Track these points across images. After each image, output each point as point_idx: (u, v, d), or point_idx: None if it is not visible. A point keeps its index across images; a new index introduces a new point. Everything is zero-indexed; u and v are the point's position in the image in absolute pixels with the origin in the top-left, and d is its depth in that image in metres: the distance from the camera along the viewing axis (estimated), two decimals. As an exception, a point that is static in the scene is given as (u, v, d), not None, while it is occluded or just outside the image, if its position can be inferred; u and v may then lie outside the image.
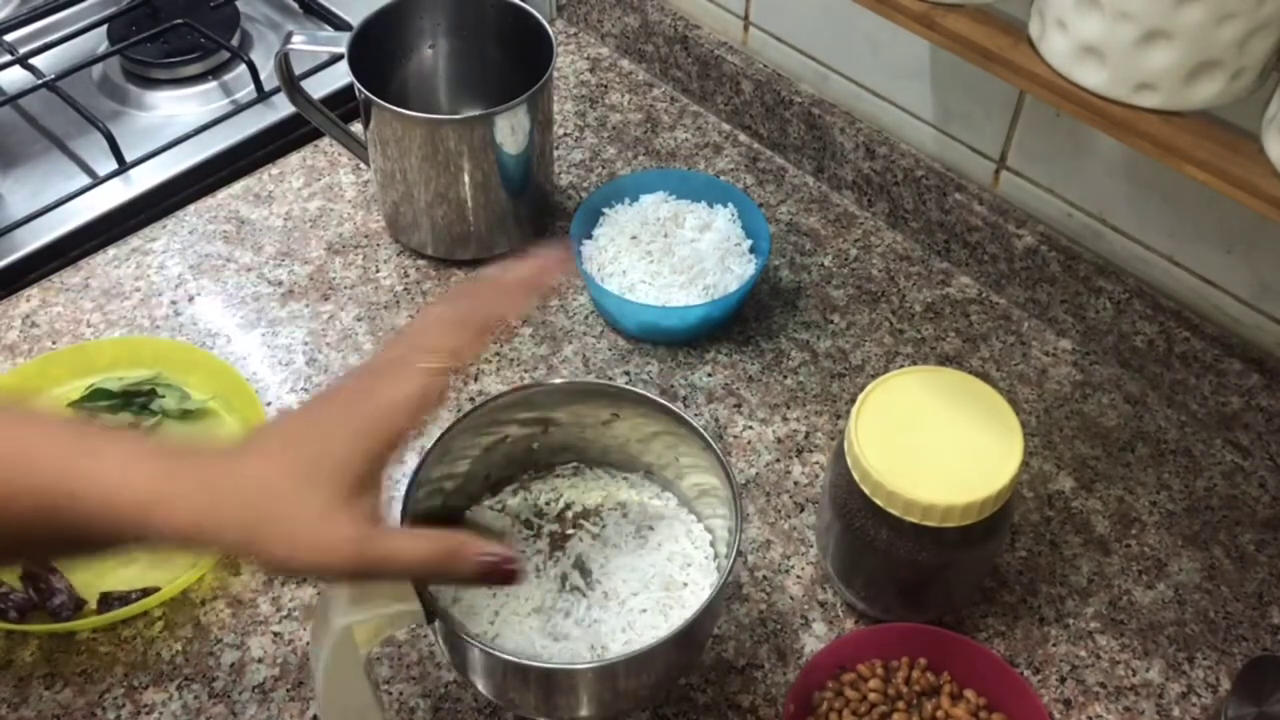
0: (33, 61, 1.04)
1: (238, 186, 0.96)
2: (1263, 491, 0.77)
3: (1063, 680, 0.68)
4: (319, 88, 1.02)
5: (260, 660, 0.68)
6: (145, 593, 0.69)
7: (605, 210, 0.88)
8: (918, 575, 0.65)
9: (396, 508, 0.58)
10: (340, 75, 1.03)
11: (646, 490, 0.69)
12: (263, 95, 1.03)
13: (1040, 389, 0.83)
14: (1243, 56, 0.52)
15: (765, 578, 0.72)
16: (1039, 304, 0.87)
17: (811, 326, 0.87)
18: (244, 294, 0.88)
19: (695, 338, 0.85)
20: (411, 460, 0.62)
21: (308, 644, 0.68)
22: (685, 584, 0.64)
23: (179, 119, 1.02)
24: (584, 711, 0.61)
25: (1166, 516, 0.76)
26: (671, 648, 0.58)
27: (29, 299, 0.87)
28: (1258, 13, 0.51)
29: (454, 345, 0.52)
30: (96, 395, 0.78)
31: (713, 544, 0.65)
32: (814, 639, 0.70)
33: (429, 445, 0.62)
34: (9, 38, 1.08)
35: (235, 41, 1.08)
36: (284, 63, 0.85)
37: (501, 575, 0.51)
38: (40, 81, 1.00)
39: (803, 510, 0.76)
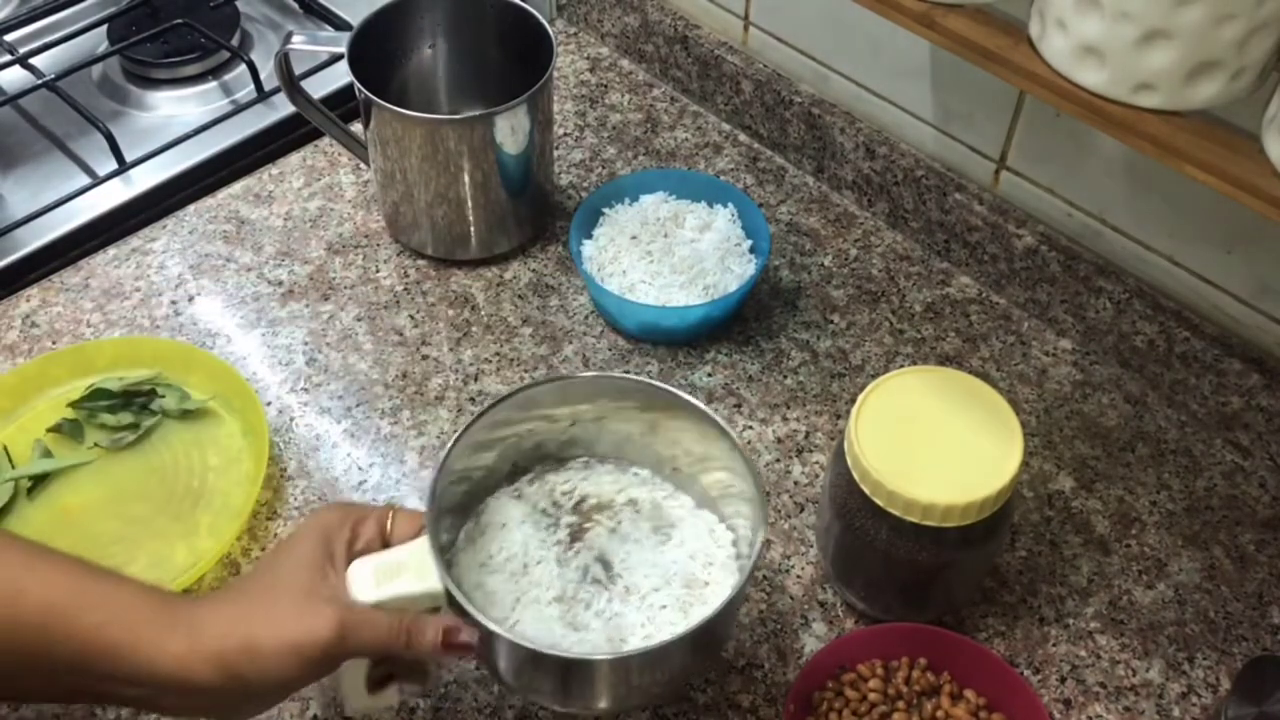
0: (33, 61, 1.04)
1: (238, 186, 0.96)
2: (1263, 491, 0.77)
3: (1063, 680, 0.68)
4: (319, 88, 1.02)
5: (260, 660, 0.68)
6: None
7: (605, 210, 0.88)
8: (918, 575, 0.65)
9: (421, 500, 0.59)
10: (340, 75, 1.03)
11: (659, 488, 0.68)
12: (263, 95, 1.03)
13: (1040, 389, 0.83)
14: (1243, 56, 0.52)
15: (765, 578, 0.72)
16: (1039, 304, 0.87)
17: (811, 326, 0.87)
18: (244, 294, 0.88)
19: (695, 338, 0.85)
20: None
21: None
22: (707, 583, 0.63)
23: (179, 119, 1.03)
24: (600, 703, 0.61)
25: (1166, 516, 0.76)
26: (688, 645, 0.58)
27: (29, 299, 0.88)
28: (1258, 13, 0.51)
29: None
30: (96, 395, 0.78)
31: (735, 544, 0.65)
32: (814, 639, 0.70)
33: (455, 436, 0.61)
34: (9, 38, 1.08)
35: (235, 41, 1.08)
36: (284, 63, 0.85)
37: (461, 646, 0.56)
38: (40, 81, 1.00)
39: (803, 510, 0.76)
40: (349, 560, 0.57)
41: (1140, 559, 0.74)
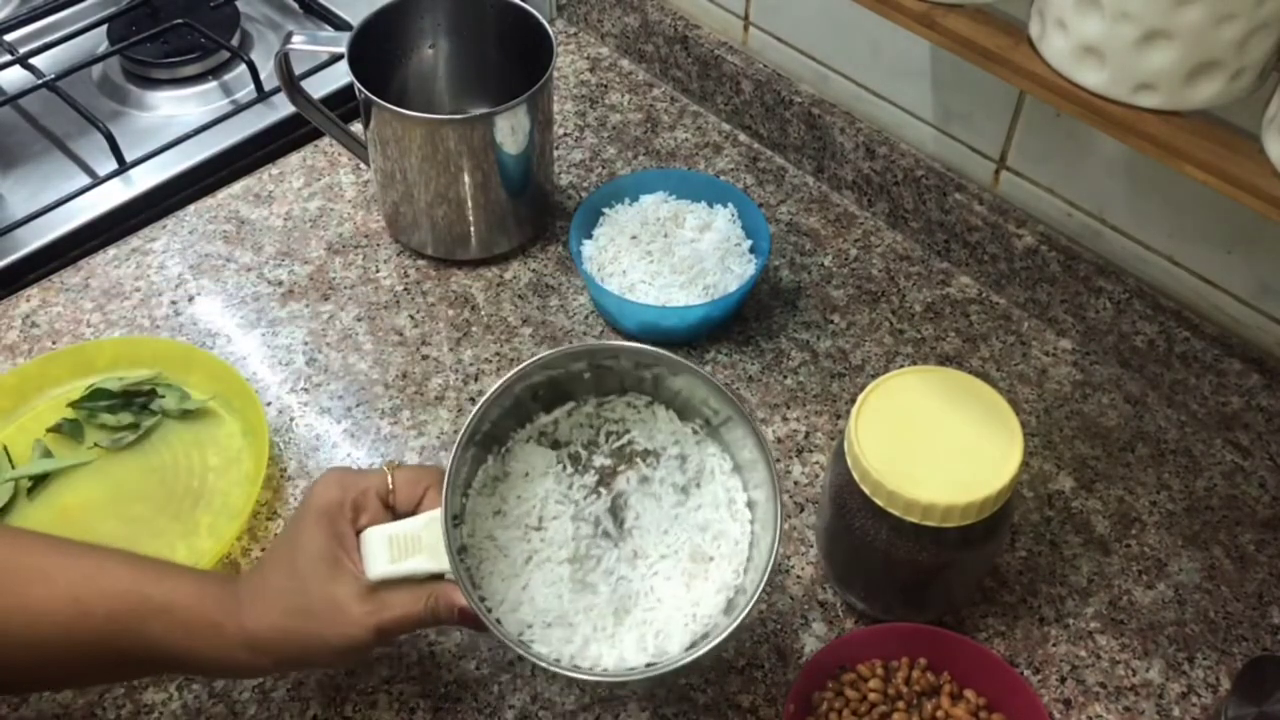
0: (33, 61, 1.04)
1: (238, 186, 0.96)
2: (1263, 491, 0.77)
3: (1063, 680, 0.68)
4: (319, 88, 1.02)
5: (260, 660, 0.68)
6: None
7: (605, 210, 0.88)
8: (918, 575, 0.65)
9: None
10: (340, 75, 1.03)
11: (709, 447, 0.66)
12: (263, 95, 1.03)
13: (1040, 389, 0.83)
14: (1243, 56, 0.52)
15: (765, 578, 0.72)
16: (1039, 304, 0.87)
17: (811, 326, 0.87)
18: (244, 294, 0.88)
19: (695, 338, 0.85)
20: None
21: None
22: (712, 558, 0.63)
23: (179, 119, 1.03)
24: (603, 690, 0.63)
25: (1166, 516, 0.76)
26: (682, 671, 0.59)
27: (29, 299, 0.88)
28: (1258, 13, 0.51)
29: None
30: (96, 395, 0.78)
31: (751, 523, 0.64)
32: (814, 639, 0.70)
33: (486, 397, 0.60)
34: (9, 38, 1.08)
35: (235, 41, 1.08)
36: (284, 63, 0.85)
37: (476, 621, 0.58)
38: (40, 81, 1.00)
39: (803, 510, 0.76)
40: (357, 534, 0.59)
41: (1140, 559, 0.74)
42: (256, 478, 0.74)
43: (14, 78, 1.04)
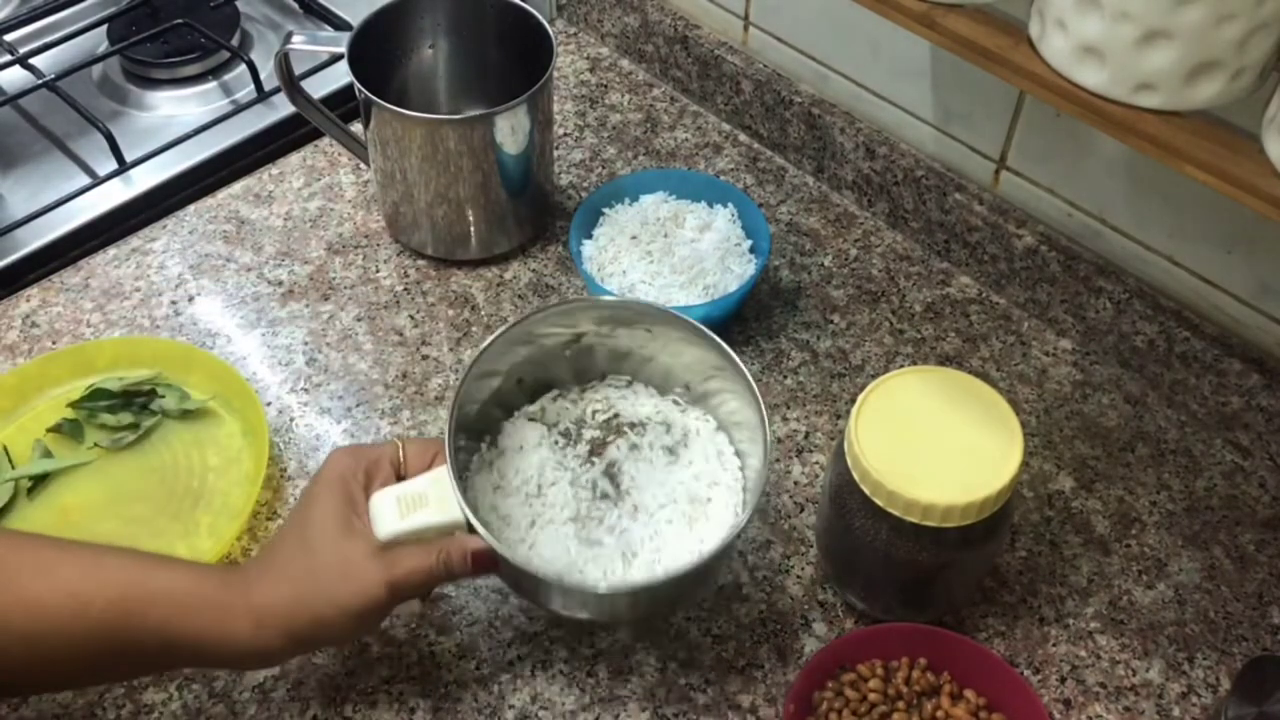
0: (33, 61, 1.04)
1: (238, 186, 0.96)
2: (1263, 491, 0.77)
3: (1063, 680, 0.68)
4: (319, 88, 1.02)
5: (260, 660, 0.68)
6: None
7: (605, 210, 0.88)
8: (918, 575, 0.65)
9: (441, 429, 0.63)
10: (340, 75, 1.03)
11: (691, 412, 0.71)
12: (263, 95, 1.03)
13: (1040, 389, 0.83)
14: (1243, 56, 0.52)
15: (765, 578, 0.72)
16: (1039, 304, 0.87)
17: (811, 326, 0.87)
18: (244, 294, 0.88)
19: (695, 338, 0.85)
20: (444, 378, 0.66)
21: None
22: (710, 499, 0.67)
23: (179, 119, 1.03)
24: (608, 617, 0.67)
25: (1166, 516, 0.76)
26: (693, 574, 0.61)
27: (29, 299, 0.88)
28: (1258, 13, 0.51)
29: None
30: (96, 395, 0.78)
31: (742, 469, 0.68)
32: (814, 639, 0.70)
33: (470, 361, 0.64)
34: (9, 38, 1.08)
35: (235, 41, 1.08)
36: (284, 63, 0.85)
37: (489, 563, 0.59)
38: (40, 81, 1.00)
39: (803, 510, 0.76)
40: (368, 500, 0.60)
41: (1140, 559, 0.74)
42: (256, 478, 0.74)
43: (14, 78, 1.04)
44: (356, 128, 0.91)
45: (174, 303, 0.87)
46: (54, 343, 0.85)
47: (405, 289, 0.89)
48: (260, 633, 0.56)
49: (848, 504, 0.64)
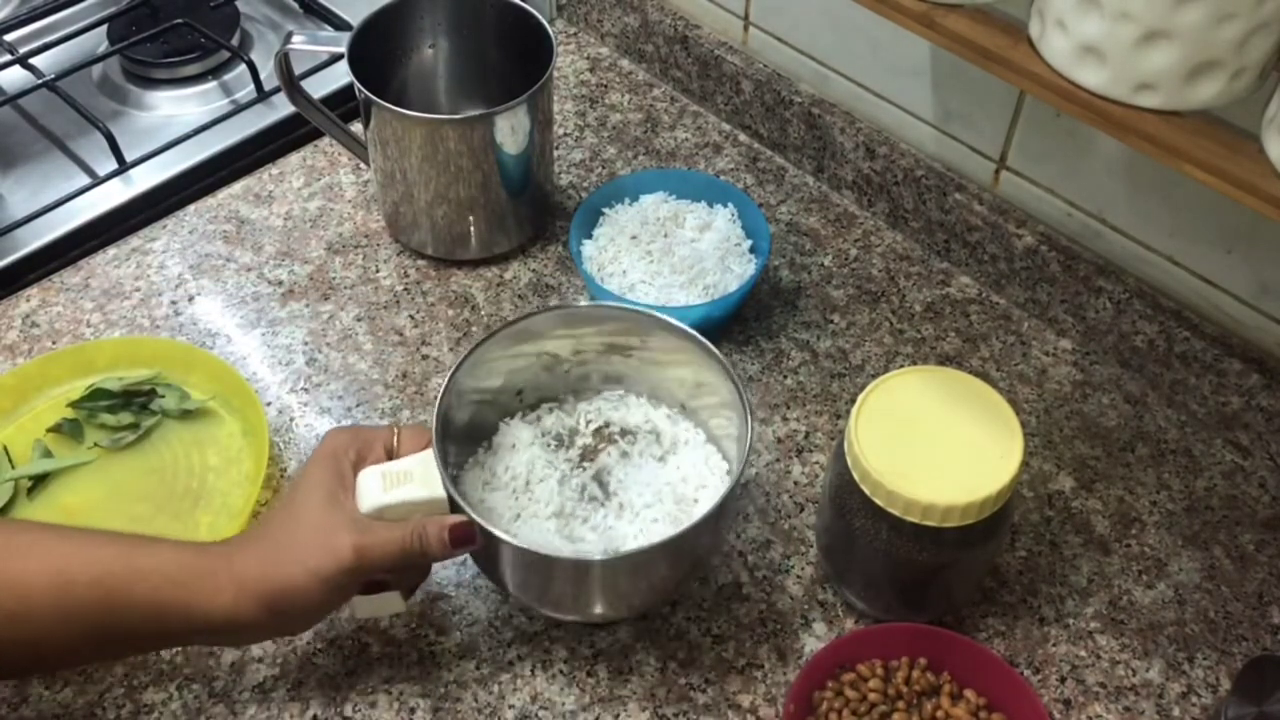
0: (33, 61, 1.04)
1: (238, 186, 0.96)
2: (1263, 491, 0.77)
3: (1063, 680, 0.68)
4: (319, 88, 1.02)
5: (260, 660, 0.68)
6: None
7: (605, 210, 0.88)
8: (918, 575, 0.65)
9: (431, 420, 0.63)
10: (340, 75, 1.03)
11: (683, 423, 0.73)
12: (263, 95, 1.03)
13: (1040, 389, 0.83)
14: (1243, 56, 0.52)
15: (765, 578, 0.72)
16: (1039, 304, 0.87)
17: (811, 326, 0.87)
18: (244, 294, 0.88)
19: (695, 338, 0.85)
20: (445, 377, 0.66)
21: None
22: (696, 500, 0.68)
23: (179, 119, 1.03)
24: (595, 608, 0.65)
25: (1166, 516, 0.76)
26: (678, 549, 0.61)
27: (29, 299, 0.88)
28: (1258, 13, 0.51)
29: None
30: (96, 395, 0.78)
31: (729, 474, 0.69)
32: (814, 639, 0.70)
33: (461, 357, 0.66)
34: (9, 38, 1.08)
35: (235, 41, 1.08)
36: (284, 63, 0.85)
37: (465, 537, 0.60)
38: (40, 81, 1.00)
39: (803, 510, 0.76)
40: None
41: (1140, 559, 0.74)
42: (256, 478, 0.74)
43: (14, 78, 1.04)
44: (356, 128, 0.91)
45: (174, 303, 0.87)
46: (54, 343, 0.85)
47: (405, 289, 0.89)
48: (240, 600, 0.56)
49: (848, 504, 0.64)
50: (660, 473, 0.70)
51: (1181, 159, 0.54)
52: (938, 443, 0.63)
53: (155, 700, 0.66)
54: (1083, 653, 0.69)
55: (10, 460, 0.76)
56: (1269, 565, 0.73)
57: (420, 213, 0.87)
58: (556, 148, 0.99)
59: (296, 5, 1.14)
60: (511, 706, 0.66)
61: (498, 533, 0.59)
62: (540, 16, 0.87)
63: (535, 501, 0.67)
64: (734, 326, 0.86)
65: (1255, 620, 0.71)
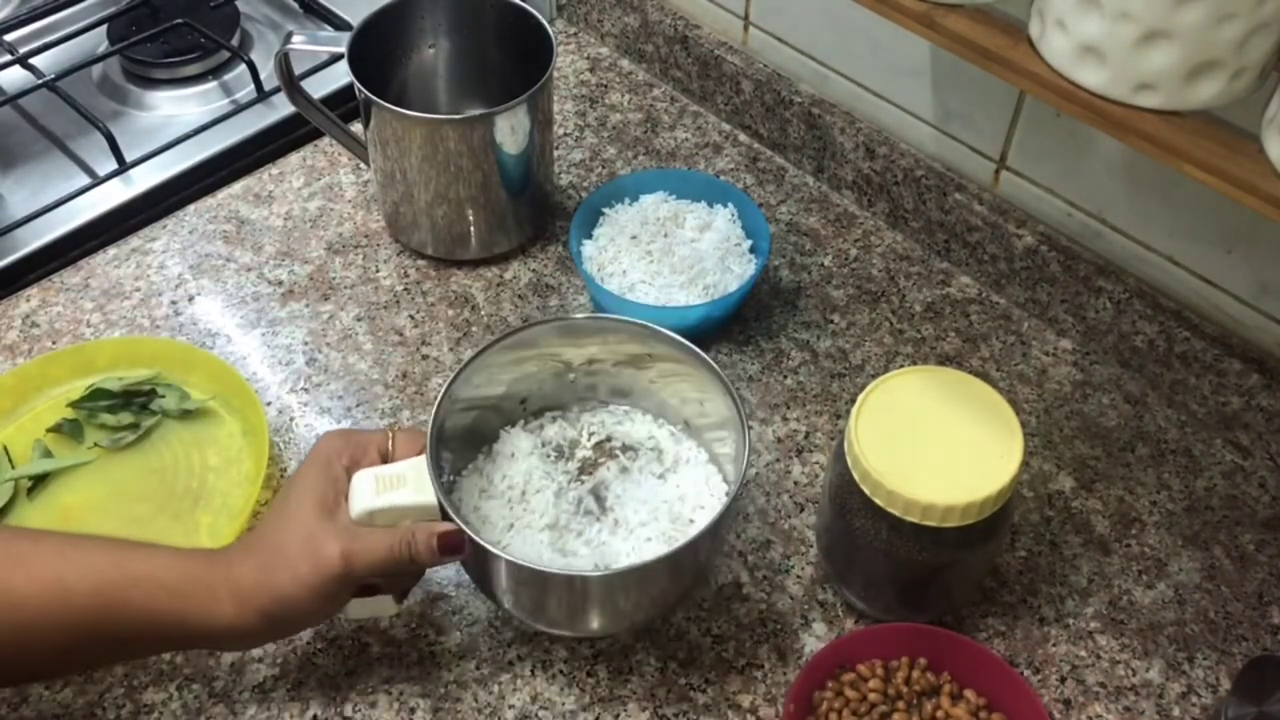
0: (33, 61, 1.04)
1: (238, 186, 0.96)
2: (1263, 491, 0.77)
3: (1063, 680, 0.68)
4: (319, 88, 1.02)
5: (260, 660, 0.68)
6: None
7: (605, 210, 0.88)
8: (918, 575, 0.65)
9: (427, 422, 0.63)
10: (340, 75, 1.03)
11: (685, 442, 0.72)
12: (263, 95, 1.03)
13: (1040, 389, 0.83)
14: (1243, 56, 0.52)
15: (765, 578, 0.72)
16: (1039, 304, 0.87)
17: (811, 326, 0.87)
18: (244, 294, 0.88)
19: (695, 338, 0.85)
20: (444, 377, 0.67)
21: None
22: (692, 520, 0.68)
23: (179, 119, 1.03)
24: (591, 624, 0.64)
25: (1166, 516, 0.76)
26: (672, 565, 0.60)
27: (29, 299, 0.88)
28: (1258, 13, 0.51)
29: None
30: (96, 395, 0.78)
31: (728, 495, 0.66)
32: (814, 639, 0.70)
33: (462, 363, 0.65)
34: (9, 38, 1.08)
35: (235, 41, 1.08)
36: (284, 63, 0.85)
37: (454, 545, 0.59)
38: (40, 81, 1.00)
39: (803, 510, 0.76)
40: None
41: (1140, 559, 0.74)
42: (256, 478, 0.74)
43: (14, 78, 1.04)
44: (356, 128, 0.91)
45: (174, 303, 0.87)
46: (54, 343, 0.85)
47: (405, 289, 0.89)
48: (240, 611, 0.57)
49: (848, 504, 0.64)
50: (659, 490, 0.69)
51: (1181, 159, 0.54)
52: (938, 443, 0.63)
53: (155, 700, 0.66)
54: (1083, 653, 0.69)
55: (10, 460, 0.76)
56: (1269, 565, 0.73)
57: (420, 213, 0.87)
58: (556, 148, 0.99)
59: (296, 5, 1.14)
60: (511, 707, 0.66)
61: (484, 544, 0.59)
62: (540, 16, 0.87)
63: (530, 512, 0.67)
64: (734, 326, 0.86)
65: (1255, 620, 0.71)
